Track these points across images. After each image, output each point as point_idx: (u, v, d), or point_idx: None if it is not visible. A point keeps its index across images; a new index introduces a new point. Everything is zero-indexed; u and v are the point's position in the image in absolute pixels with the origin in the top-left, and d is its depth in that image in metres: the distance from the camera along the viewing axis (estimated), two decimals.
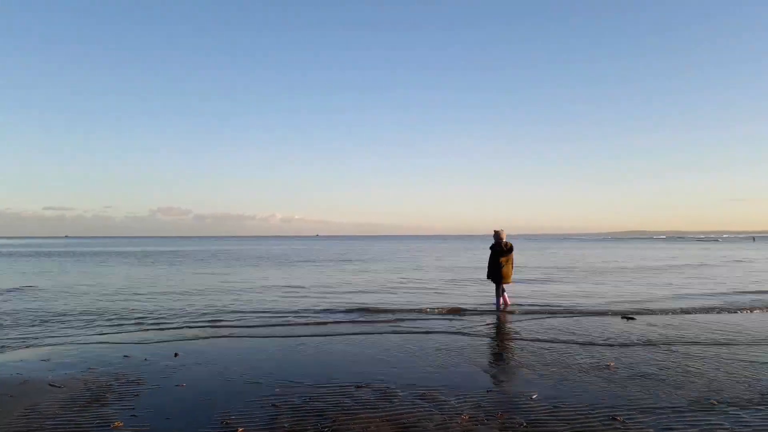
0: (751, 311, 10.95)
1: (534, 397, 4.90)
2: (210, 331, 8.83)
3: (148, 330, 9.00)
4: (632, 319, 9.75)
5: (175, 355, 6.01)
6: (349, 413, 4.45)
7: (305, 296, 14.13)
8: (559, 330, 8.62)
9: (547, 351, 7.00)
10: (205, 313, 10.90)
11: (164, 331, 8.91)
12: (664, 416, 4.34)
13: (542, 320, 9.75)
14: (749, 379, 5.49)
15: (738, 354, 6.76)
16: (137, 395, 5.06)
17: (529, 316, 10.21)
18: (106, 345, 7.70)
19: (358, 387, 5.27)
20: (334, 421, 4.26)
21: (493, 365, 6.32)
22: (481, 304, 11.90)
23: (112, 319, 10.13)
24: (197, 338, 8.20)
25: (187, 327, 9.27)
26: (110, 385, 5.43)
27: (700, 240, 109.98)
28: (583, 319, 9.80)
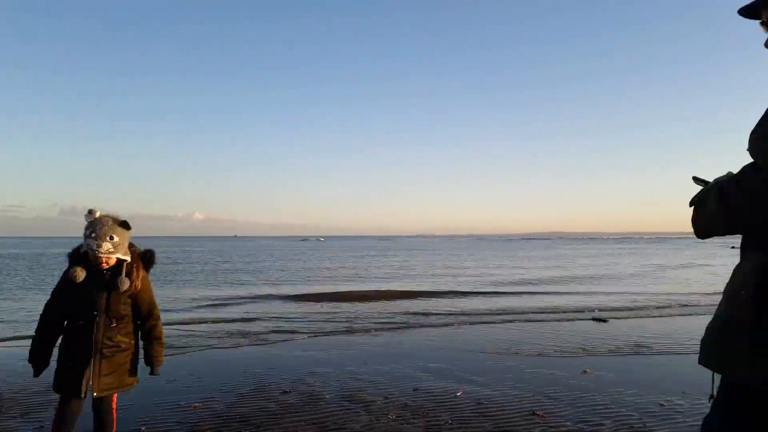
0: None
1: (459, 394, 4.99)
2: None
3: None
4: (604, 321, 9.70)
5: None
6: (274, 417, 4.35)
7: None
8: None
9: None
10: None
11: None
12: (581, 409, 4.55)
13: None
14: None
15: None
16: (47, 409, 4.72)
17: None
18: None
19: (285, 392, 5.18)
20: (258, 426, 4.15)
21: (420, 364, 6.38)
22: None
23: None
24: None
25: None
26: (15, 396, 5.04)
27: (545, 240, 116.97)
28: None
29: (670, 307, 11.94)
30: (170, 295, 14.81)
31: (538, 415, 4.40)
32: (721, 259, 32.62)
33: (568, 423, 4.21)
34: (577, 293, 15.36)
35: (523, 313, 11.16)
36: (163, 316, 3.38)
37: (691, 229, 1.65)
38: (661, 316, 10.48)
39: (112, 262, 2.98)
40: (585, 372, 5.83)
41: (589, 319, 9.96)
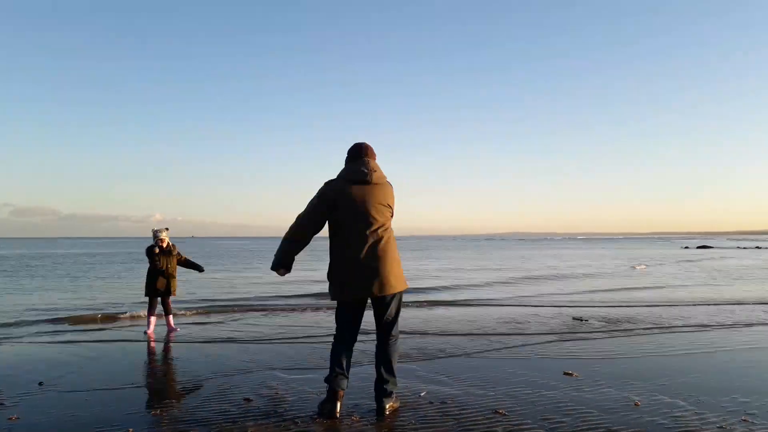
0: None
1: (423, 394, 5.01)
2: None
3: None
4: (585, 321, 9.57)
5: (40, 384, 5.38)
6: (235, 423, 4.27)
7: None
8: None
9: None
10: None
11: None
12: (542, 407, 4.63)
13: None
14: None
15: None
16: None
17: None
18: None
19: (247, 400, 5.09)
20: (219, 431, 4.07)
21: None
22: None
23: None
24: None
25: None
26: None
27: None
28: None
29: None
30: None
31: (500, 413, 4.45)
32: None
33: (529, 421, 4.27)
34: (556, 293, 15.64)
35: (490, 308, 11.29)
36: None
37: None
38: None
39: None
40: (571, 374, 5.78)
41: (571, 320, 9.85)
